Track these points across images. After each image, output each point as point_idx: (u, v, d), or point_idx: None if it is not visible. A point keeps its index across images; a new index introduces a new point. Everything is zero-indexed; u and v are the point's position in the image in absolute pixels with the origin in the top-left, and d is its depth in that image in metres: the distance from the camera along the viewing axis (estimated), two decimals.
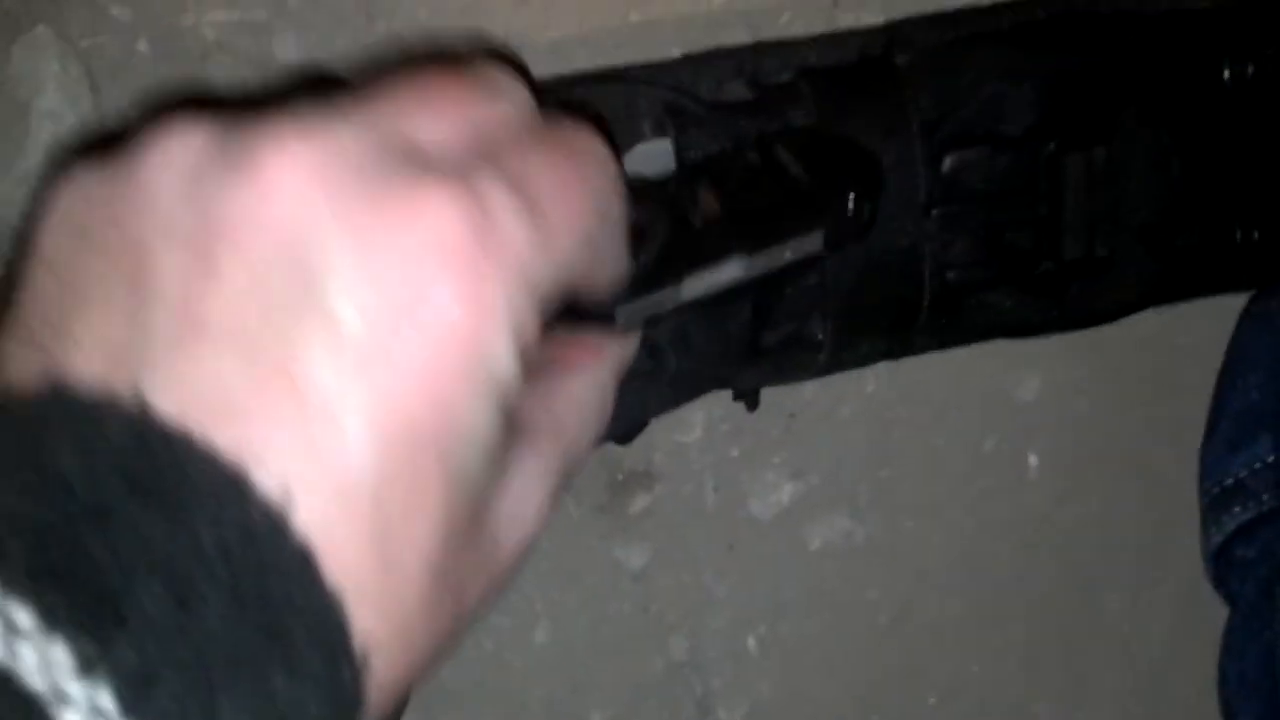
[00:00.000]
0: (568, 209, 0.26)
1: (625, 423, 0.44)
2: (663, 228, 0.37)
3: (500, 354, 0.24)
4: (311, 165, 0.23)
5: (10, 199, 0.46)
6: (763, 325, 0.44)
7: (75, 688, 0.20)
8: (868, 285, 0.43)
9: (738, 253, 0.37)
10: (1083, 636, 0.52)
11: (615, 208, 0.29)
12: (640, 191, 0.34)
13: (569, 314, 0.32)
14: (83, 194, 0.25)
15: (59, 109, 0.45)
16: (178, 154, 0.24)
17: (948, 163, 0.43)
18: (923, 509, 0.50)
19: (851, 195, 0.39)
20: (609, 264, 0.31)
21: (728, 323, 0.43)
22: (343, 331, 0.22)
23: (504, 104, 0.27)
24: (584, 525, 0.48)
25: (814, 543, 0.49)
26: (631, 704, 0.48)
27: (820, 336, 0.44)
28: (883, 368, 0.49)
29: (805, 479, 0.49)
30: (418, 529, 0.24)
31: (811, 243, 0.38)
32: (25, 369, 0.23)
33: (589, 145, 0.29)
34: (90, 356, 0.23)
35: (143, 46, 0.46)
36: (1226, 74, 0.46)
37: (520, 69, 0.30)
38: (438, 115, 0.26)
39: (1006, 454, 0.50)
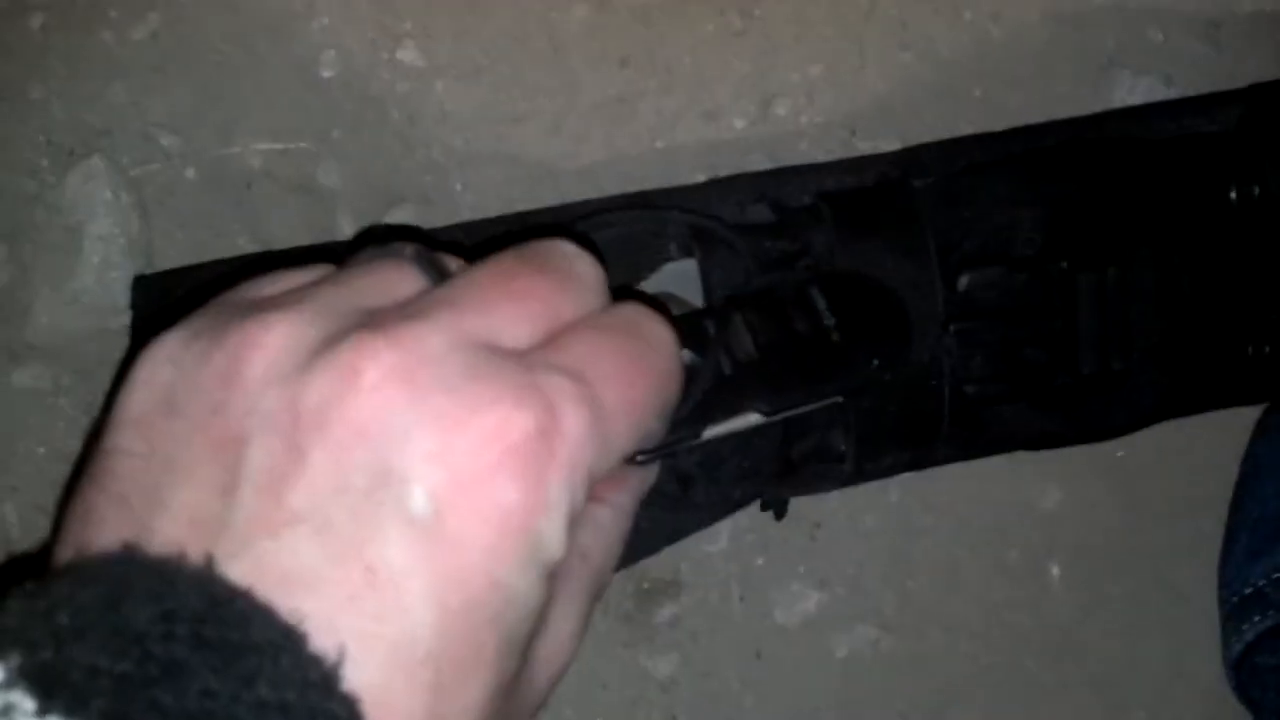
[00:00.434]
0: (629, 398, 0.28)
1: (659, 545, 0.46)
2: (703, 382, 0.39)
3: (552, 536, 0.26)
4: (396, 367, 0.25)
5: (62, 318, 0.47)
6: (792, 441, 0.45)
7: None
8: (889, 399, 0.44)
9: (761, 407, 0.39)
10: None
11: (673, 391, 0.31)
12: (685, 335, 0.36)
13: None
14: (174, 365, 0.27)
15: (109, 233, 0.47)
16: (278, 349, 0.26)
17: (963, 281, 0.44)
18: (947, 619, 0.51)
19: (878, 360, 0.41)
20: (656, 433, 0.32)
21: (758, 443, 0.44)
22: (414, 516, 0.24)
23: (578, 291, 0.30)
24: (611, 634, 0.49)
25: (840, 651, 0.50)
26: None
27: (843, 448, 0.46)
28: (906, 478, 0.50)
29: (830, 589, 0.50)
30: (471, 690, 0.25)
31: (833, 394, 0.40)
32: (114, 527, 0.26)
33: (654, 331, 0.30)
34: (178, 522, 0.25)
35: (190, 174, 0.49)
36: (1233, 195, 0.47)
37: (590, 246, 0.32)
38: (517, 312, 0.28)
39: (1029, 564, 0.51)
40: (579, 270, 0.30)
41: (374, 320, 0.26)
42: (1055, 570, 0.51)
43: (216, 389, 0.26)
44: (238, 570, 0.24)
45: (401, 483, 0.25)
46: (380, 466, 0.25)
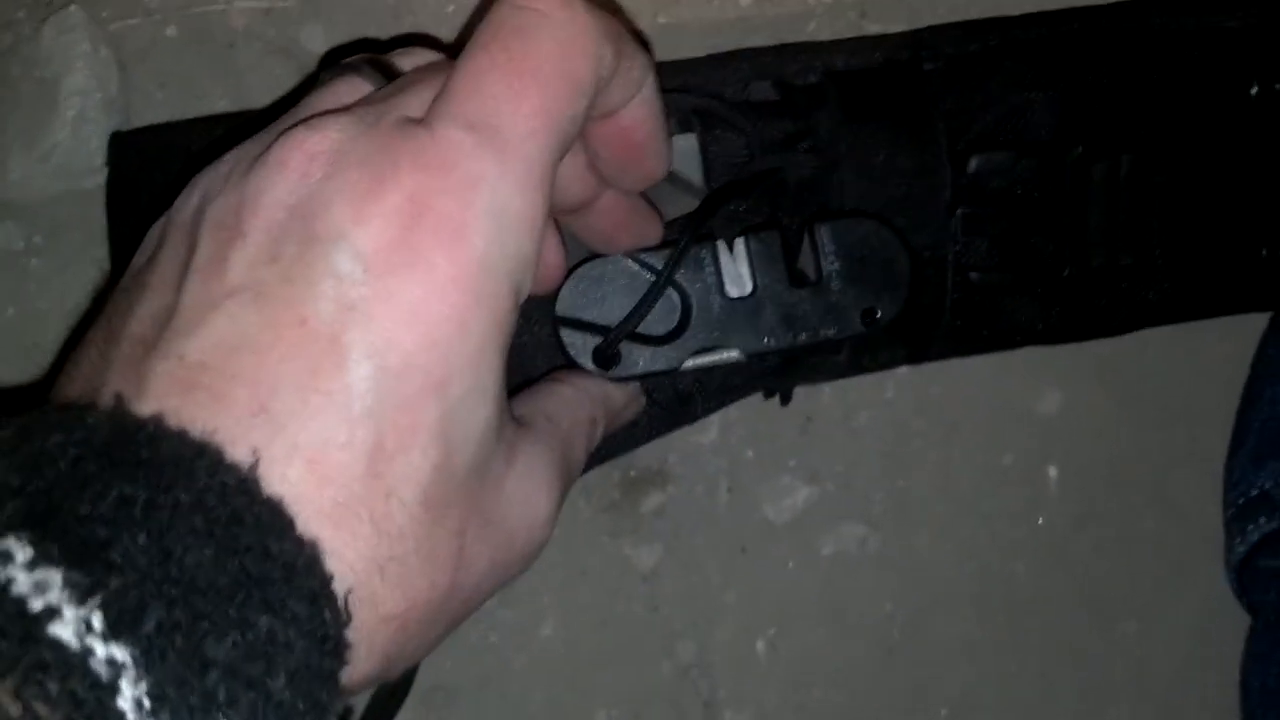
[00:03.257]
0: (529, 110, 0.28)
1: (655, 437, 0.45)
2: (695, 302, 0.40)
3: (489, 292, 0.27)
4: (317, 151, 0.27)
5: (34, 176, 0.46)
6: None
7: (68, 609, 0.21)
8: None
9: (746, 347, 0.40)
10: (1098, 659, 0.51)
11: (581, 69, 0.29)
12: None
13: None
14: (152, 233, 0.31)
15: (86, 87, 0.45)
16: (228, 168, 0.29)
17: (973, 164, 0.43)
18: (938, 522, 0.49)
19: (874, 316, 0.40)
20: (624, 86, 0.32)
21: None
22: (344, 279, 0.26)
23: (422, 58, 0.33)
24: (595, 522, 0.47)
25: (826, 549, 0.48)
26: (637, 706, 0.48)
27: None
28: (902, 376, 0.48)
29: (820, 484, 0.48)
30: (413, 456, 0.26)
31: (821, 343, 0.41)
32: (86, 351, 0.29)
33: (545, 28, 0.29)
34: (141, 322, 0.28)
35: (171, 31, 0.47)
36: (1254, 91, 0.46)
37: None
38: (434, 85, 0.29)
39: (1024, 470, 0.50)
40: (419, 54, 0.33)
41: (300, 123, 0.28)
42: (1052, 475, 0.50)
43: (177, 214, 0.30)
44: (191, 346, 0.26)
45: (327, 245, 0.26)
46: (308, 234, 0.26)
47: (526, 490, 0.31)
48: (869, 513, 0.49)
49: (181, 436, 0.24)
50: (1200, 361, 0.50)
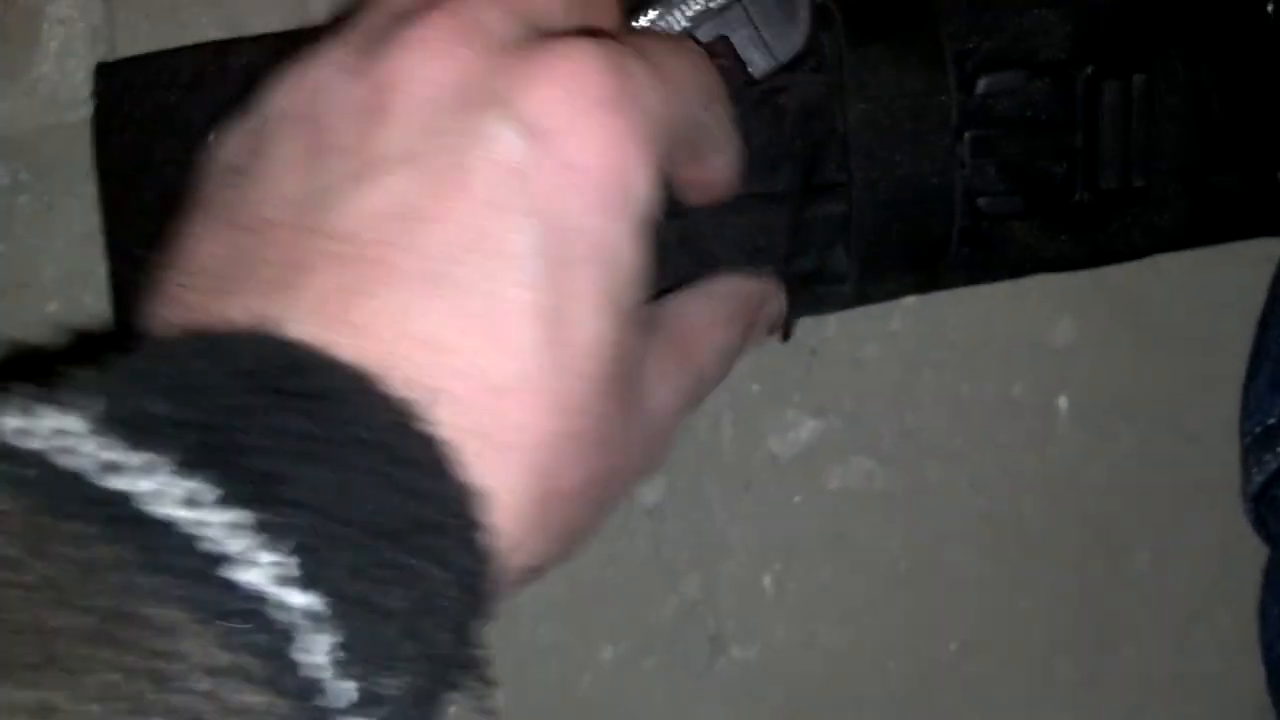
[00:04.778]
0: (684, 78, 0.30)
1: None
2: None
3: (638, 185, 0.27)
4: (459, 31, 0.27)
5: (19, 109, 0.45)
6: (789, 259, 0.43)
7: (263, 554, 0.20)
8: (896, 213, 0.42)
9: None
10: (1108, 593, 0.50)
11: (719, 98, 0.33)
12: None
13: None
14: (235, 133, 0.30)
15: (69, 16, 0.44)
16: (332, 54, 0.28)
17: (981, 85, 0.42)
18: (947, 455, 0.49)
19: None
20: (719, 147, 0.34)
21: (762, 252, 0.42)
22: (503, 154, 0.25)
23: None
24: None
25: (833, 484, 0.48)
26: (643, 642, 0.47)
27: (844, 268, 0.43)
28: (909, 307, 0.47)
29: (826, 418, 0.47)
30: (588, 322, 0.26)
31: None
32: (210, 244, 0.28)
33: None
34: (272, 203, 0.26)
35: None
36: (1271, 8, 0.44)
37: None
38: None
39: (1035, 401, 0.49)
40: None
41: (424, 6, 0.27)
42: (1063, 406, 0.49)
43: (289, 102, 0.28)
44: (342, 218, 0.25)
45: (485, 112, 0.25)
46: (463, 103, 0.26)
47: (660, 391, 0.31)
48: (876, 446, 0.48)
49: (347, 367, 0.23)
50: (1216, 289, 0.49)
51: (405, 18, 0.27)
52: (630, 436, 0.29)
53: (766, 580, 0.47)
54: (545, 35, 0.28)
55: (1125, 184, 0.43)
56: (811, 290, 0.44)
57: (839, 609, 0.48)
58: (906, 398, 0.48)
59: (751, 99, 0.42)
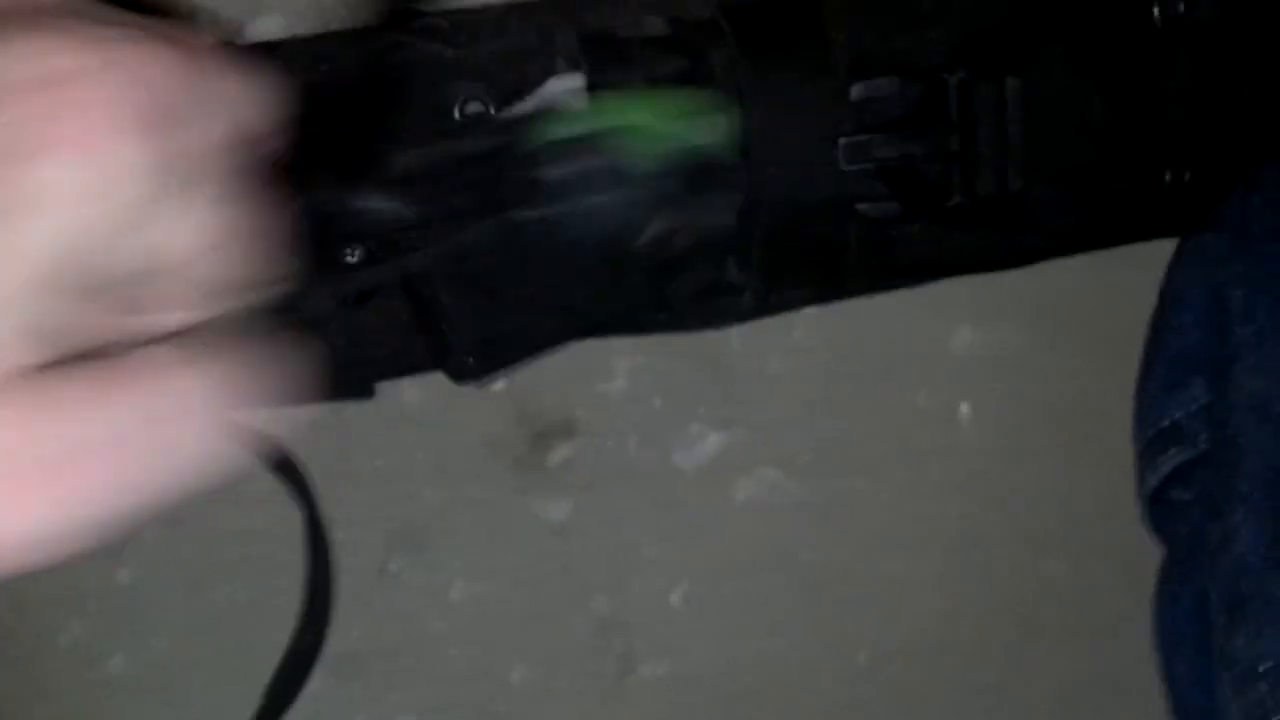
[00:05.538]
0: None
1: None
2: None
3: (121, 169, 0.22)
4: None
5: None
6: (670, 276, 0.43)
7: None
8: (794, 222, 0.42)
9: None
10: (1028, 598, 0.51)
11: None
12: None
13: None
14: None
15: None
16: None
17: (855, 91, 0.42)
18: (855, 464, 0.49)
19: None
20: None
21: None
22: None
23: None
24: (502, 479, 0.46)
25: (741, 496, 0.48)
26: (552, 663, 0.47)
27: (739, 280, 0.43)
28: (811, 318, 0.47)
29: (732, 430, 0.47)
30: None
31: None
32: None
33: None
34: None
35: None
36: (1156, 13, 0.45)
37: None
38: None
39: (940, 407, 0.49)
40: None
41: None
42: (965, 411, 0.49)
43: None
44: None
45: None
46: None
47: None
48: (783, 457, 0.48)
49: None
50: (1110, 291, 0.49)
51: None
52: None
53: (675, 598, 0.47)
54: None
55: (1001, 188, 0.43)
56: (708, 304, 0.44)
57: (750, 623, 0.48)
58: (812, 408, 0.48)
59: None
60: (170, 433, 0.27)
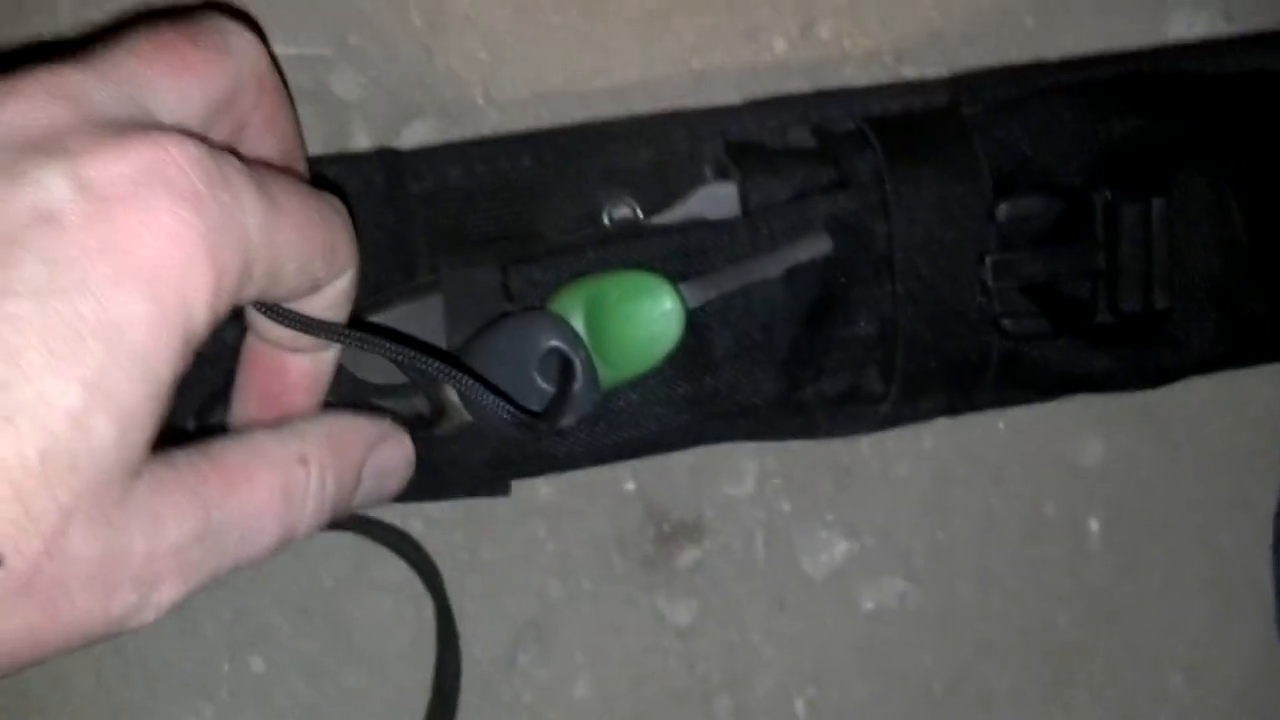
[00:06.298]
0: (302, 218, 0.29)
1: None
2: None
3: (192, 291, 0.25)
4: (54, 87, 0.26)
5: None
6: (804, 378, 0.43)
7: None
8: (939, 334, 0.42)
9: None
10: (1145, 714, 0.50)
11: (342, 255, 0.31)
12: None
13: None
14: None
15: None
16: None
17: (1002, 210, 0.42)
18: (980, 574, 0.48)
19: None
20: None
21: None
22: (40, 199, 0.24)
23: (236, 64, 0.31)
24: (629, 577, 0.46)
25: (867, 604, 0.47)
26: None
27: (878, 387, 0.43)
28: (941, 426, 0.47)
29: (859, 538, 0.47)
30: (42, 406, 0.23)
31: None
32: None
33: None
34: None
35: None
36: None
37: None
38: (174, 80, 0.29)
39: (1067, 520, 0.49)
40: (234, 40, 0.31)
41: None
42: (1094, 526, 0.49)
43: None
44: None
45: (37, 174, 0.24)
46: (21, 159, 0.24)
47: (153, 510, 0.26)
48: (909, 565, 0.48)
49: None
50: (1246, 409, 0.49)
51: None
52: (94, 541, 0.25)
53: (799, 704, 0.47)
54: (157, 124, 0.27)
55: (1147, 305, 0.43)
56: (844, 410, 0.44)
57: None
58: (938, 516, 0.48)
59: None
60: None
